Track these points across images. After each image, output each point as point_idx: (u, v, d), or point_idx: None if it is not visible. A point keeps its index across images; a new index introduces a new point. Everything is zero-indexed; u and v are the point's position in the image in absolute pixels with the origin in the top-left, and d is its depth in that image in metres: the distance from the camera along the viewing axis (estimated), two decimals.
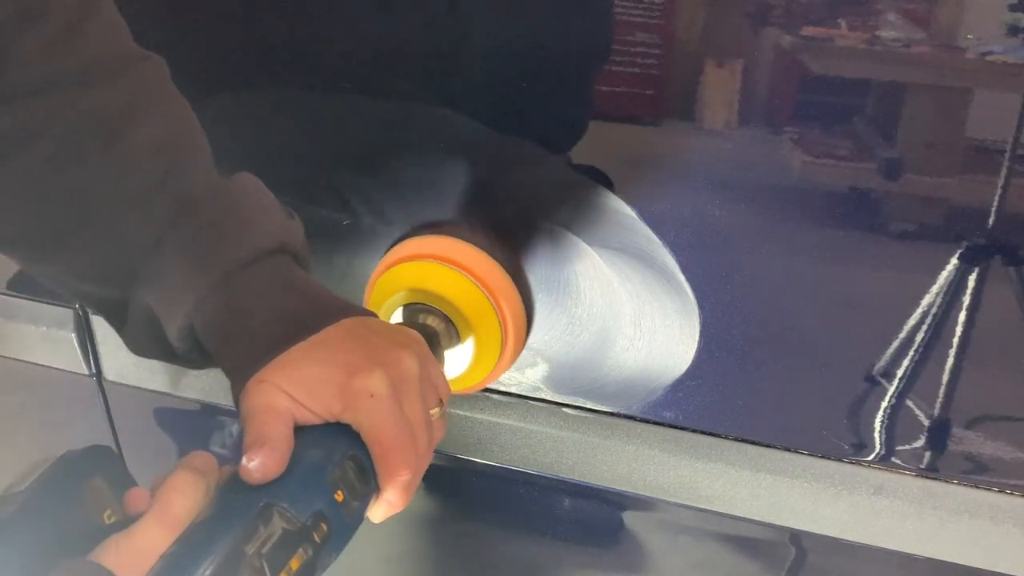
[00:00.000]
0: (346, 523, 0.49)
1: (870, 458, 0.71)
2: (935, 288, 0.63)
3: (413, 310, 0.70)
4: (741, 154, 0.65)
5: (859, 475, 0.71)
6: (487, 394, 0.80)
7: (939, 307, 0.64)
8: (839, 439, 0.71)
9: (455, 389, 0.73)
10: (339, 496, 0.48)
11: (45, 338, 0.96)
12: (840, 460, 0.71)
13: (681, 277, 0.69)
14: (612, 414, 0.77)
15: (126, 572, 0.42)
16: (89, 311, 0.59)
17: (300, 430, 0.49)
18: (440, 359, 0.67)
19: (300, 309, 0.53)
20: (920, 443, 0.69)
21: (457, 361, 0.72)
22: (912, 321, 0.65)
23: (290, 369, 0.50)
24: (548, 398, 0.78)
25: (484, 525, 0.91)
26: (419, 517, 0.92)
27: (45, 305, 0.94)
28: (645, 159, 0.68)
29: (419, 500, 0.91)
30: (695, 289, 0.70)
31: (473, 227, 0.72)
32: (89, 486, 0.46)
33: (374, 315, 0.57)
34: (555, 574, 0.89)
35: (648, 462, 0.76)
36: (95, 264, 0.55)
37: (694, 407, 0.74)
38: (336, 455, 0.49)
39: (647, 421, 0.76)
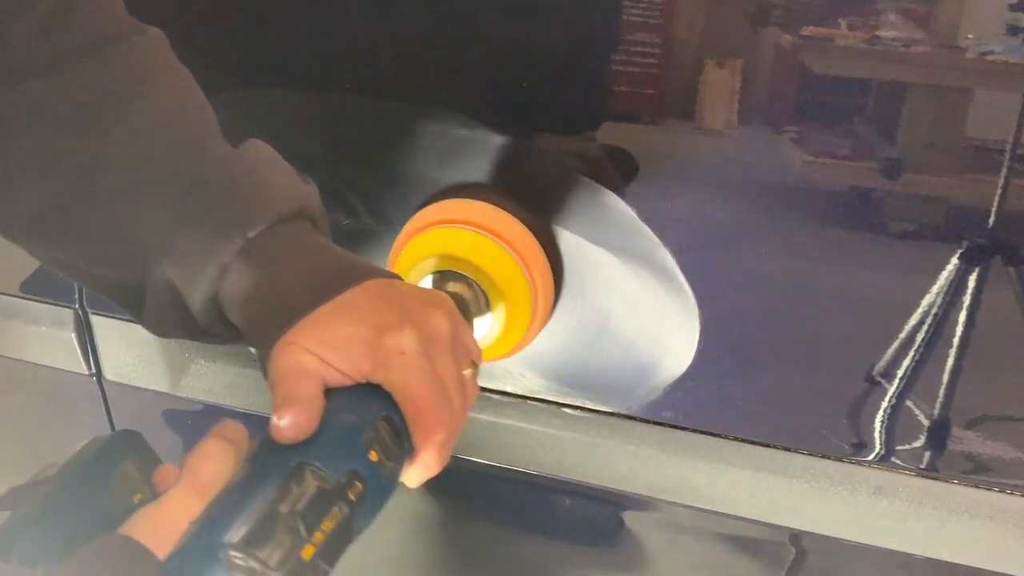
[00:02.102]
0: (382, 484, 0.47)
1: (870, 458, 0.71)
2: (935, 288, 0.63)
3: (442, 277, 0.68)
4: (741, 154, 0.65)
5: (859, 475, 0.71)
6: (487, 394, 0.80)
7: (939, 307, 0.64)
8: (839, 439, 0.71)
9: (485, 359, 0.72)
10: (374, 456, 0.47)
11: (45, 338, 0.96)
12: (840, 460, 0.71)
13: (681, 277, 0.69)
14: (612, 414, 0.77)
15: (157, 541, 0.41)
16: (107, 299, 0.58)
17: (331, 392, 0.48)
18: (472, 328, 0.65)
19: (325, 271, 0.52)
20: (920, 443, 0.69)
21: (486, 330, 0.70)
22: (912, 321, 0.65)
23: (318, 330, 0.49)
24: (548, 398, 0.78)
25: (484, 525, 0.91)
26: (419, 517, 0.92)
27: (45, 305, 0.94)
28: (645, 159, 0.68)
29: (419, 500, 0.91)
30: (695, 289, 0.70)
31: (502, 192, 0.71)
32: (119, 471, 0.45)
33: (400, 277, 0.55)
34: (555, 574, 0.89)
35: (648, 462, 0.76)
36: (110, 244, 0.54)
37: (694, 407, 0.74)
38: (369, 415, 0.48)
39: (647, 421, 0.76)
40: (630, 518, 0.83)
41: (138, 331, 0.93)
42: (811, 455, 0.72)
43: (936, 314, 0.64)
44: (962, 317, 0.64)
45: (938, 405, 0.67)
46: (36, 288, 0.95)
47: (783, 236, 0.66)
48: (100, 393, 0.98)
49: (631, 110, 0.67)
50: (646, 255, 0.70)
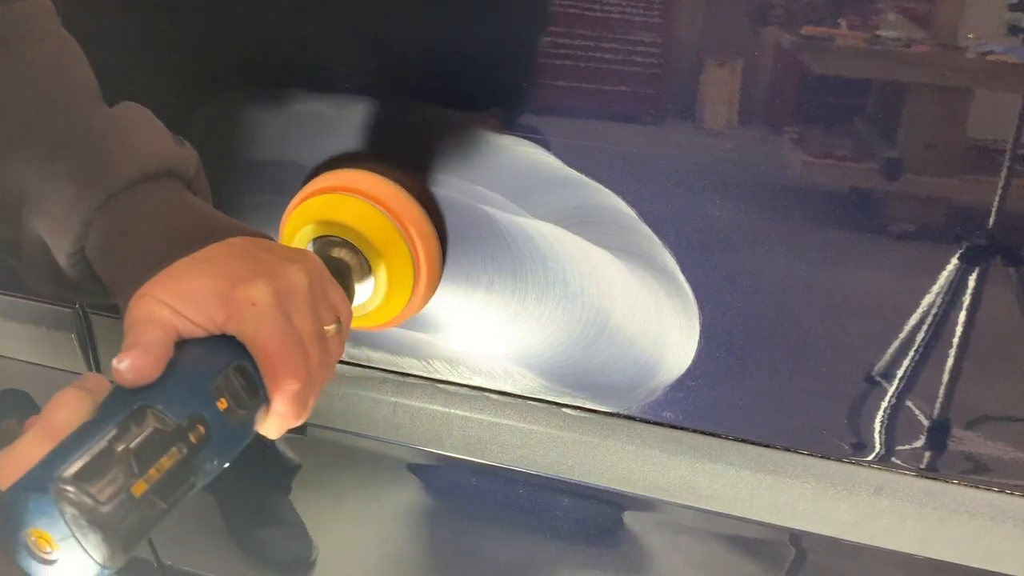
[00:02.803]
0: (230, 430, 0.49)
1: (870, 458, 0.71)
2: (935, 288, 0.63)
3: (323, 244, 0.71)
4: (741, 154, 0.65)
5: (859, 475, 0.71)
6: (487, 394, 0.80)
7: (939, 307, 0.64)
8: (839, 439, 0.71)
9: (375, 324, 0.74)
10: (222, 404, 0.49)
11: (45, 338, 0.96)
12: (840, 460, 0.71)
13: (681, 277, 0.69)
14: (612, 414, 0.77)
15: (6, 480, 0.42)
16: None
17: (186, 343, 0.50)
18: (351, 292, 0.67)
19: (186, 227, 0.54)
20: (920, 443, 0.69)
21: (371, 293, 0.72)
22: (912, 321, 0.65)
23: (172, 282, 0.50)
24: (548, 398, 0.78)
25: (484, 525, 0.91)
26: (419, 517, 0.92)
27: (45, 305, 0.94)
28: (645, 159, 0.68)
29: (420, 500, 0.91)
30: (695, 289, 0.70)
31: (386, 162, 0.73)
32: (2, 428, 0.47)
33: (269, 237, 0.57)
34: (555, 574, 0.89)
35: (648, 462, 0.76)
36: None
37: (694, 407, 0.74)
38: (219, 364, 0.49)
39: (647, 421, 0.76)
40: (630, 518, 0.83)
41: None
42: (811, 455, 0.72)
43: (936, 314, 0.64)
44: (962, 317, 0.64)
45: (938, 405, 0.67)
46: None
47: (783, 236, 0.66)
48: None
49: (631, 110, 0.67)
50: (646, 255, 0.70)
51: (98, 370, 0.96)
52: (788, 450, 0.73)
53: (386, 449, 0.87)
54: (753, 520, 0.76)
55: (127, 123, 0.57)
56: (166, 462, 0.45)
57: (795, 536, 0.77)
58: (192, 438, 0.47)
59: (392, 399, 0.83)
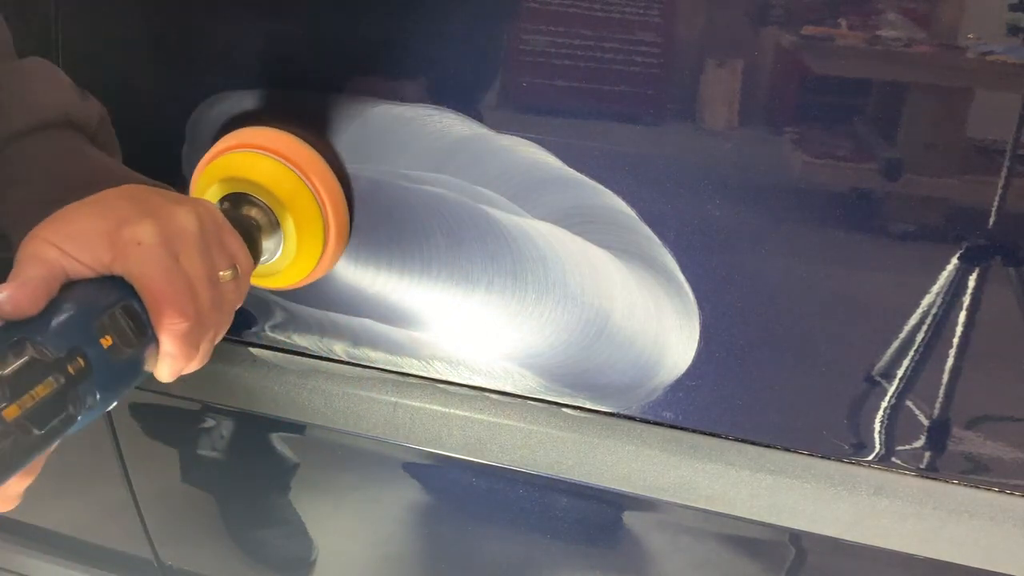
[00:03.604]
0: (115, 367, 0.50)
1: (870, 458, 0.71)
2: (935, 288, 0.63)
3: (231, 203, 0.71)
4: (741, 154, 0.65)
5: (859, 475, 0.71)
6: (487, 394, 0.80)
7: (939, 307, 0.64)
8: (839, 439, 0.71)
9: (288, 283, 0.76)
10: (106, 341, 0.49)
11: None
12: (840, 460, 0.71)
13: (681, 277, 0.69)
14: (612, 414, 0.77)
15: None
16: None
17: (74, 283, 0.50)
18: (259, 248, 0.69)
19: (80, 173, 0.55)
20: (920, 443, 0.69)
21: (282, 248, 0.73)
22: (912, 321, 0.65)
23: (60, 224, 0.51)
24: (548, 398, 0.78)
25: (484, 525, 0.91)
26: (419, 517, 0.92)
27: None
28: (645, 159, 0.68)
29: (420, 500, 0.91)
30: (695, 289, 0.70)
31: (283, 118, 0.74)
32: None
33: (166, 187, 0.57)
34: (555, 574, 0.89)
35: (648, 462, 0.76)
36: None
37: (694, 407, 0.74)
38: (105, 302, 0.50)
39: (647, 421, 0.76)
40: (630, 518, 0.83)
41: None
42: (811, 455, 0.72)
43: (936, 314, 0.64)
44: (962, 317, 0.64)
45: (938, 405, 0.67)
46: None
47: (783, 236, 0.66)
48: None
49: (631, 110, 0.67)
50: (646, 255, 0.70)
51: None
52: (788, 450, 0.72)
53: (386, 449, 0.87)
54: (753, 520, 0.76)
55: (26, 74, 0.57)
56: (41, 390, 0.46)
57: (795, 536, 0.77)
58: (71, 370, 0.47)
59: (392, 399, 0.83)
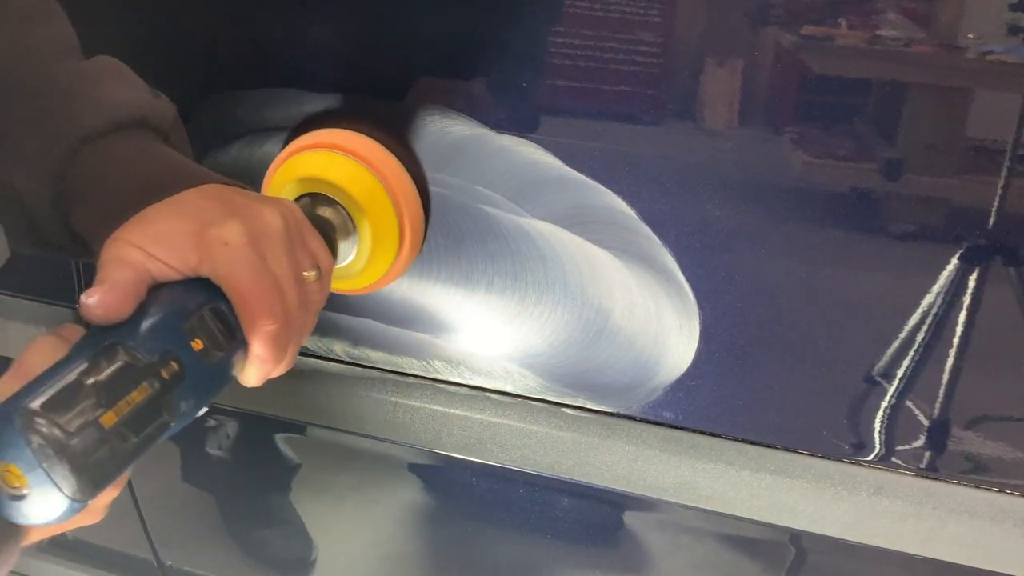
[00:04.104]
0: (206, 370, 0.49)
1: (870, 458, 0.71)
2: (935, 288, 0.63)
3: (308, 201, 0.70)
4: (741, 154, 0.65)
5: (859, 475, 0.71)
6: (487, 394, 0.80)
7: (939, 307, 0.64)
8: (839, 439, 0.71)
9: (359, 287, 0.74)
10: (197, 344, 0.48)
11: None
12: (840, 460, 0.71)
13: (681, 277, 0.69)
14: (612, 414, 0.77)
15: None
16: None
17: (161, 285, 0.49)
18: (335, 250, 0.67)
19: (159, 174, 0.54)
20: (920, 443, 0.69)
21: (356, 252, 0.71)
22: (912, 321, 0.65)
23: (144, 226, 0.50)
24: (548, 398, 0.78)
25: (484, 525, 0.91)
26: (419, 517, 0.92)
27: (45, 305, 0.94)
28: (645, 159, 0.68)
29: (419, 500, 0.91)
30: (695, 289, 0.70)
31: (366, 121, 0.73)
32: None
33: (244, 186, 0.56)
34: (555, 574, 0.89)
35: (648, 462, 0.76)
36: None
37: (694, 407, 0.74)
38: (194, 304, 0.49)
39: (647, 421, 0.76)
40: (630, 518, 0.83)
41: None
42: (811, 455, 0.72)
43: (936, 314, 0.64)
44: (962, 317, 0.64)
45: (938, 405, 0.67)
46: (36, 288, 0.95)
47: (783, 236, 0.66)
48: None
49: (631, 110, 0.67)
50: (646, 255, 0.70)
51: None
52: (788, 450, 0.72)
53: (386, 449, 0.87)
54: (753, 520, 0.76)
55: (99, 74, 0.56)
56: (136, 396, 0.45)
57: (795, 536, 0.77)
58: (164, 374, 0.46)
59: (392, 399, 0.83)
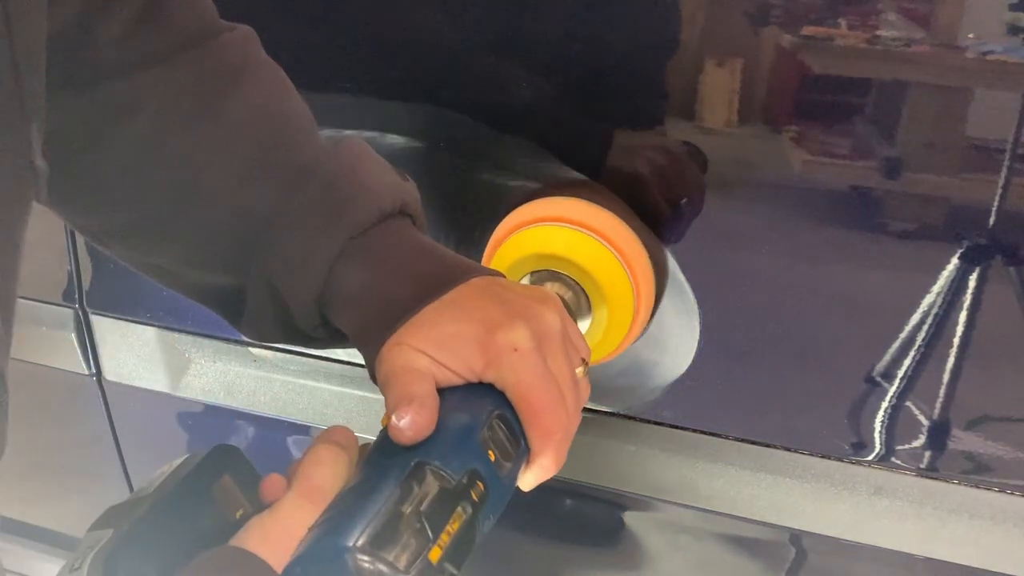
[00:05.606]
0: (502, 484, 0.45)
1: (870, 458, 0.71)
2: (935, 288, 0.63)
3: (540, 277, 0.66)
4: (741, 154, 0.65)
5: (859, 475, 0.71)
6: None
7: (939, 307, 0.64)
8: (839, 439, 0.71)
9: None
10: (491, 456, 0.45)
11: (45, 338, 0.96)
12: (840, 460, 0.71)
13: (681, 277, 0.69)
14: (612, 414, 0.77)
15: (271, 551, 0.40)
16: (206, 306, 0.57)
17: (443, 392, 0.47)
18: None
19: (429, 269, 0.51)
20: (920, 443, 0.69)
21: (588, 332, 0.67)
22: (912, 321, 0.65)
23: (426, 329, 0.47)
24: None
25: None
26: None
27: (45, 305, 0.94)
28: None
29: None
30: (695, 289, 0.70)
31: (598, 190, 0.68)
32: (219, 485, 0.44)
33: (502, 275, 0.54)
34: (555, 574, 0.89)
35: (648, 462, 0.76)
36: (209, 246, 0.53)
37: (694, 407, 0.74)
38: (483, 413, 0.46)
39: (647, 421, 0.76)
40: (630, 518, 0.83)
41: (138, 331, 0.93)
42: (811, 455, 0.72)
43: (936, 314, 0.64)
44: (962, 317, 0.64)
45: (938, 405, 0.67)
46: (36, 288, 0.95)
47: (783, 236, 0.66)
48: (100, 393, 0.98)
49: (631, 109, 0.67)
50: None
51: (98, 371, 0.96)
52: (788, 450, 0.73)
53: None
54: (753, 520, 0.76)
55: (356, 159, 0.53)
56: (454, 524, 0.42)
57: (795, 536, 0.77)
58: (474, 496, 0.43)
59: None
